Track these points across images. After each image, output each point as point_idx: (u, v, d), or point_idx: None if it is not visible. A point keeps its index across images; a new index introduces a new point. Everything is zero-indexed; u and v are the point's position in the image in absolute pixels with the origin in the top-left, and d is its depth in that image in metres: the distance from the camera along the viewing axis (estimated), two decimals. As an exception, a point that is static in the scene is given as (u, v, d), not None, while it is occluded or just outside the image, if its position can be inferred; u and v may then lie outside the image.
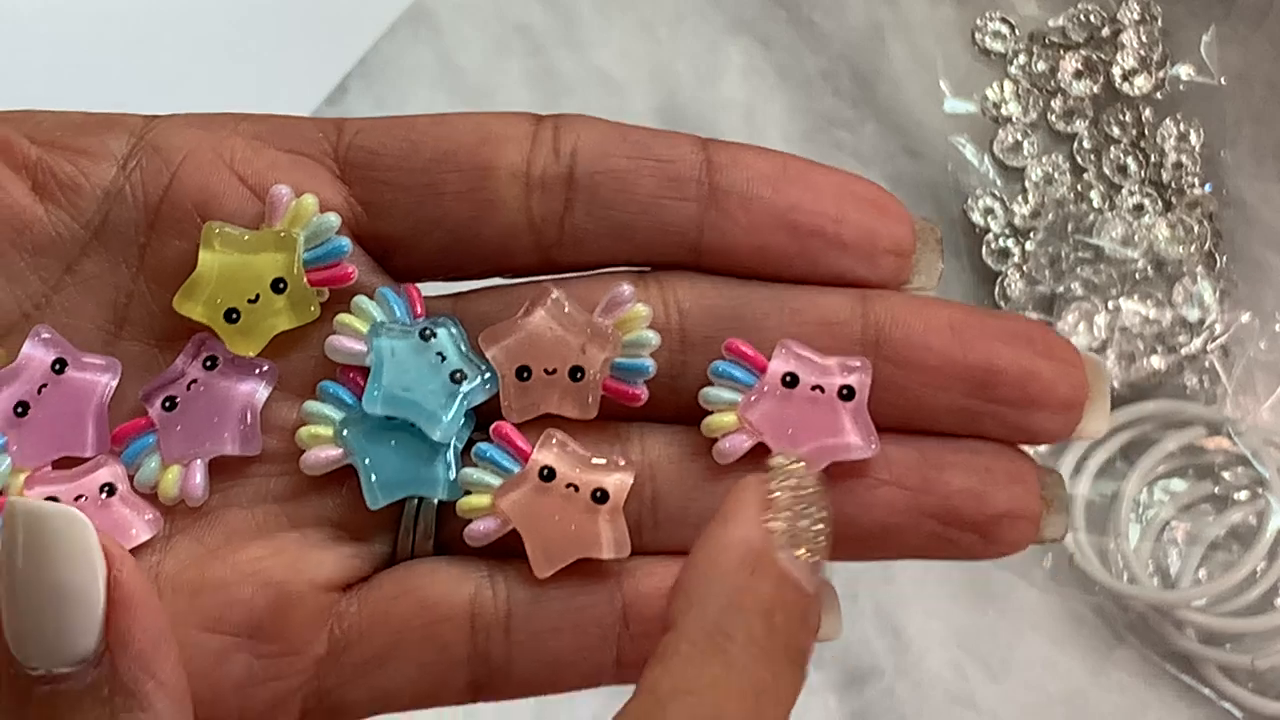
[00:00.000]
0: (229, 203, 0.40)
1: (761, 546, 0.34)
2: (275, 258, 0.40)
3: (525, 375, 0.40)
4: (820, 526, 0.35)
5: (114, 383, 0.40)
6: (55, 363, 0.40)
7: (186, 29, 0.79)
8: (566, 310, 0.40)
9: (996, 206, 0.78)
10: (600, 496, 0.39)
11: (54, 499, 0.39)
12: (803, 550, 0.34)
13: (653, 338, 0.40)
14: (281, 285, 0.40)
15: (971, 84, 0.80)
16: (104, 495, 0.40)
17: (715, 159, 0.40)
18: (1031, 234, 0.77)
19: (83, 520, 0.33)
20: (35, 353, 0.40)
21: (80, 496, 0.40)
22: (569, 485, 0.39)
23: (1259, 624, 0.73)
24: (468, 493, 0.40)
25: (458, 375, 0.40)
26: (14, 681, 0.33)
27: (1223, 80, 0.78)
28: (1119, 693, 0.72)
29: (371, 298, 0.41)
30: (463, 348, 0.40)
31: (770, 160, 0.40)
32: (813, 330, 0.40)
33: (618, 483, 0.39)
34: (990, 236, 0.77)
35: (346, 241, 0.40)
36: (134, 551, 0.39)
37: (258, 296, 0.40)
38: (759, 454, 0.39)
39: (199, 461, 0.40)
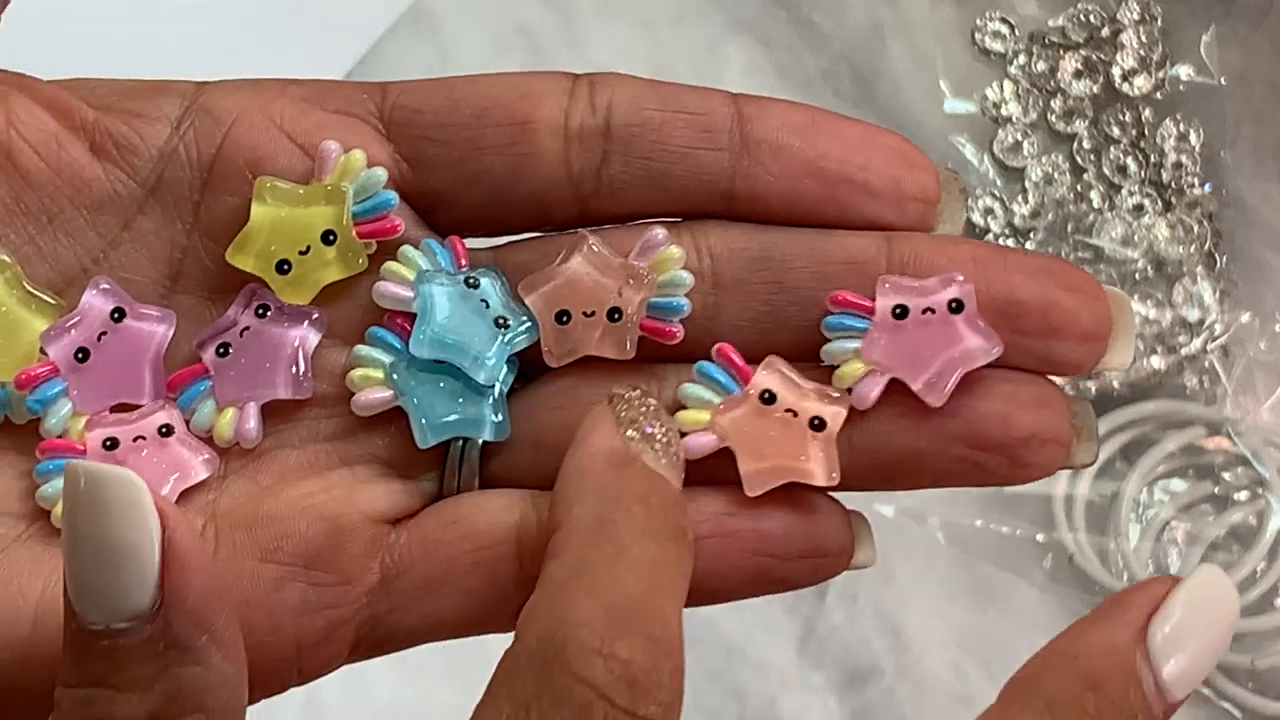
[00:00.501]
0: (279, 161, 0.42)
1: (623, 449, 0.38)
2: (325, 211, 0.42)
3: (565, 319, 0.42)
4: (669, 434, 0.39)
5: (170, 332, 0.42)
6: (114, 311, 0.42)
7: (186, 29, 0.80)
8: (602, 255, 0.42)
9: (996, 206, 0.80)
10: (818, 424, 0.41)
11: (113, 440, 0.42)
12: (657, 452, 0.38)
13: (686, 278, 0.42)
14: (331, 237, 0.42)
15: (971, 84, 0.82)
16: (162, 436, 0.42)
17: (746, 111, 0.42)
18: (1031, 234, 0.79)
19: (138, 482, 0.34)
20: (95, 301, 0.42)
21: (140, 437, 0.42)
22: (788, 410, 0.41)
23: (1259, 624, 0.75)
24: (683, 407, 0.42)
25: (501, 322, 0.42)
26: (76, 635, 0.34)
27: (1223, 80, 0.80)
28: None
29: (417, 249, 0.43)
30: (504, 296, 0.42)
31: (799, 111, 0.43)
32: (839, 269, 0.42)
33: (835, 413, 0.41)
34: (990, 237, 0.79)
35: (394, 195, 0.42)
36: (191, 490, 0.42)
37: (308, 248, 0.42)
38: (896, 389, 0.41)
39: (253, 405, 0.42)
